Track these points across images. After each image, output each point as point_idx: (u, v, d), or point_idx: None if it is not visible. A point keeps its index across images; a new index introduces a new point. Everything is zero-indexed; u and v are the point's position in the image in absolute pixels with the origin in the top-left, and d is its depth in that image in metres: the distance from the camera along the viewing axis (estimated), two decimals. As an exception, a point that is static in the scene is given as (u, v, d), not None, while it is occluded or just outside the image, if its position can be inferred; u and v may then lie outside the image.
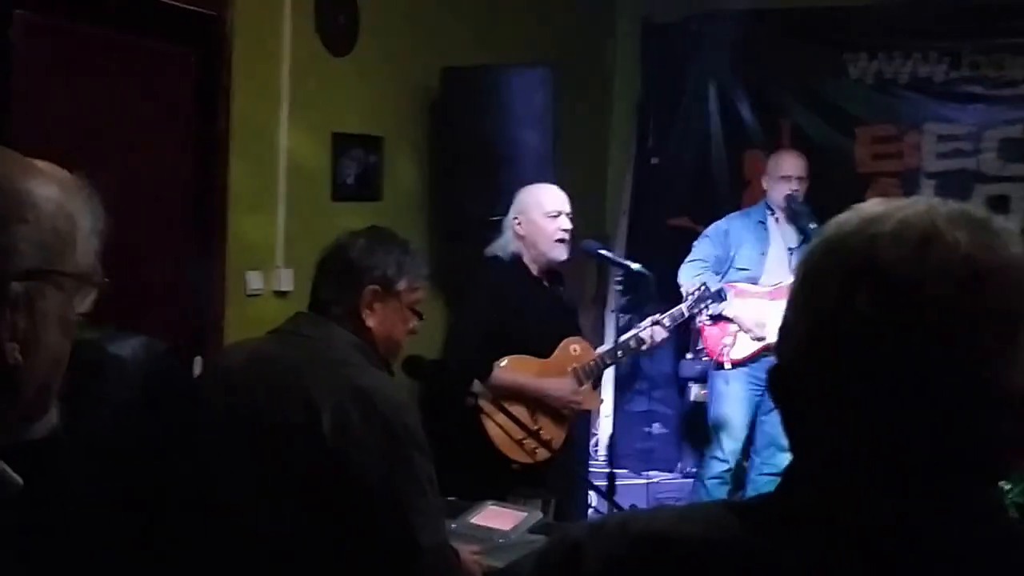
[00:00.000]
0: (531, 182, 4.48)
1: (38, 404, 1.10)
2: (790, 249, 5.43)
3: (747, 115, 7.09)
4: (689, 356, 6.54)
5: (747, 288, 5.43)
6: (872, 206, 0.99)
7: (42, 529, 1.38)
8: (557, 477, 4.18)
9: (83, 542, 1.65)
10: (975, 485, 0.95)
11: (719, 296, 4.76)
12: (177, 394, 2.45)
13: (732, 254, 5.51)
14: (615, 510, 3.20)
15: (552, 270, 4.30)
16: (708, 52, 7.06)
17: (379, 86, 5.22)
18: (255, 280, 4.50)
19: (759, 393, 5.41)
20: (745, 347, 5.40)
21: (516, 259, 4.23)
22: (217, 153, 4.26)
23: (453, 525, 2.94)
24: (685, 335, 6.18)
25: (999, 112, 6.59)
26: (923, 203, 0.97)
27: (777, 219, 5.51)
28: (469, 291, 4.36)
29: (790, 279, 0.93)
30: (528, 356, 4.15)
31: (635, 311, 6.02)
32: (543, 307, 4.24)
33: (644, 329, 4.35)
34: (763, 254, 5.49)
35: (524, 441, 3.82)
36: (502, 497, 3.43)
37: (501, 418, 3.34)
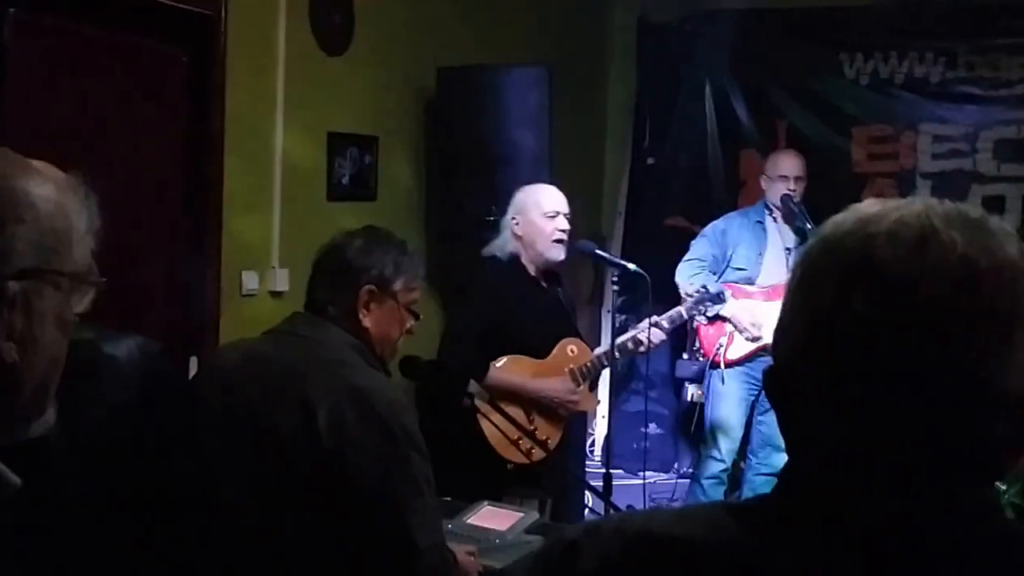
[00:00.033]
0: (527, 182, 4.48)
1: (36, 404, 1.10)
2: (788, 249, 5.43)
3: (743, 115, 7.09)
4: (685, 356, 6.54)
5: (743, 288, 5.43)
6: (868, 206, 0.99)
7: (39, 529, 1.38)
8: (553, 477, 4.18)
9: (80, 543, 1.65)
10: (972, 485, 0.95)
11: (718, 298, 4.75)
12: (173, 394, 2.44)
13: (729, 254, 5.51)
14: (611, 510, 3.20)
15: (550, 270, 4.30)
16: (704, 52, 7.06)
17: (374, 85, 5.22)
18: (251, 280, 4.49)
19: (755, 392, 5.41)
20: (741, 347, 5.40)
21: (514, 259, 4.23)
22: (212, 153, 4.25)
23: (449, 525, 2.94)
24: (681, 335, 6.17)
25: (995, 113, 6.59)
26: (919, 203, 0.97)
27: (776, 219, 5.51)
28: (466, 291, 4.36)
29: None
30: (525, 356, 4.16)
31: (631, 311, 6.04)
32: (541, 307, 4.24)
33: (642, 331, 4.35)
34: (760, 254, 5.49)
35: (520, 441, 3.82)
36: (498, 497, 3.43)
37: (497, 418, 3.34)
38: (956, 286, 0.90)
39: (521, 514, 3.17)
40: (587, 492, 4.64)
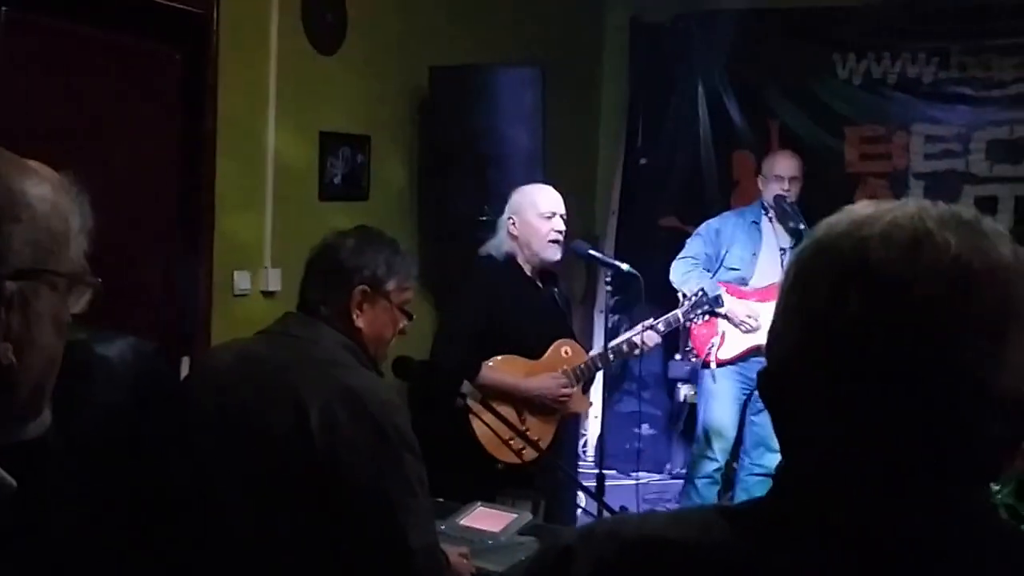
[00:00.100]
0: (519, 182, 4.48)
1: (32, 404, 1.10)
2: (782, 250, 5.44)
3: (736, 115, 7.10)
4: (678, 357, 6.55)
5: (738, 288, 5.43)
6: (862, 208, 0.99)
7: (36, 530, 1.37)
8: (545, 478, 4.18)
9: (76, 544, 1.65)
10: (967, 486, 0.95)
11: (716, 303, 4.75)
12: (166, 395, 2.44)
13: (723, 253, 5.52)
14: (604, 511, 3.20)
15: (546, 270, 4.30)
16: (697, 52, 7.08)
17: (367, 85, 5.21)
18: (242, 280, 4.49)
19: (748, 391, 5.42)
20: (733, 346, 5.41)
21: (510, 259, 4.23)
22: (204, 152, 4.24)
23: (442, 526, 2.93)
24: (674, 336, 6.18)
25: (987, 113, 6.60)
26: (913, 205, 0.97)
27: (771, 219, 5.52)
28: (462, 290, 4.35)
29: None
30: (518, 356, 4.15)
31: (624, 312, 6.03)
32: (536, 308, 4.24)
33: (637, 334, 4.34)
34: (754, 255, 5.50)
35: (511, 441, 3.82)
36: (491, 498, 3.43)
37: (489, 418, 3.33)
38: (950, 287, 0.91)
39: (514, 515, 3.16)
40: (580, 492, 4.63)
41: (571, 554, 1.04)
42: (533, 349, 4.20)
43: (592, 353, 4.41)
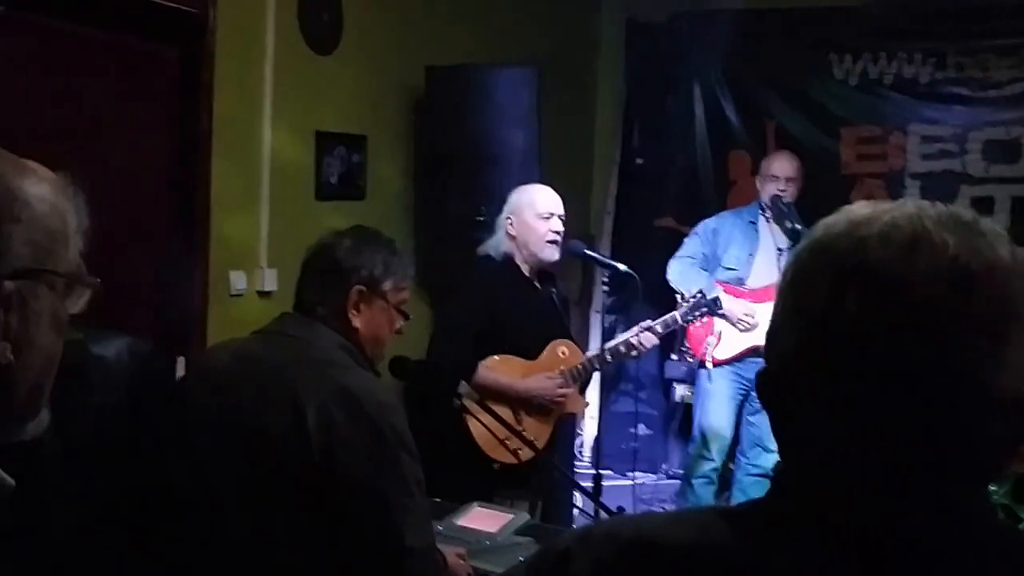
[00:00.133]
0: (516, 182, 4.48)
1: (31, 404, 1.10)
2: (780, 250, 5.44)
3: (732, 115, 7.09)
4: (674, 357, 6.55)
5: (735, 288, 5.43)
6: (860, 209, 0.99)
7: (34, 531, 1.37)
8: (542, 478, 4.18)
9: (74, 543, 1.65)
10: (967, 486, 0.95)
11: (715, 304, 4.75)
12: (163, 395, 2.44)
13: (720, 253, 5.52)
14: (601, 511, 3.20)
15: (544, 271, 4.30)
16: (693, 52, 7.07)
17: (363, 85, 5.21)
18: (238, 280, 4.48)
19: (744, 391, 5.42)
20: (730, 347, 5.41)
21: (508, 259, 4.23)
22: (200, 152, 4.24)
23: (439, 527, 2.93)
24: (671, 335, 6.18)
25: (984, 114, 6.60)
26: (911, 205, 0.97)
27: (768, 219, 5.52)
28: (460, 289, 4.35)
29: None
30: (514, 356, 4.15)
31: (621, 312, 6.03)
32: (533, 308, 4.24)
33: (635, 335, 4.34)
34: (751, 255, 5.50)
35: (507, 441, 3.82)
36: (488, 498, 3.43)
37: (485, 418, 3.33)
38: (949, 287, 0.91)
39: (511, 515, 3.17)
40: (576, 493, 4.63)
41: (569, 555, 1.04)
42: (530, 349, 4.20)
43: (589, 353, 4.41)
